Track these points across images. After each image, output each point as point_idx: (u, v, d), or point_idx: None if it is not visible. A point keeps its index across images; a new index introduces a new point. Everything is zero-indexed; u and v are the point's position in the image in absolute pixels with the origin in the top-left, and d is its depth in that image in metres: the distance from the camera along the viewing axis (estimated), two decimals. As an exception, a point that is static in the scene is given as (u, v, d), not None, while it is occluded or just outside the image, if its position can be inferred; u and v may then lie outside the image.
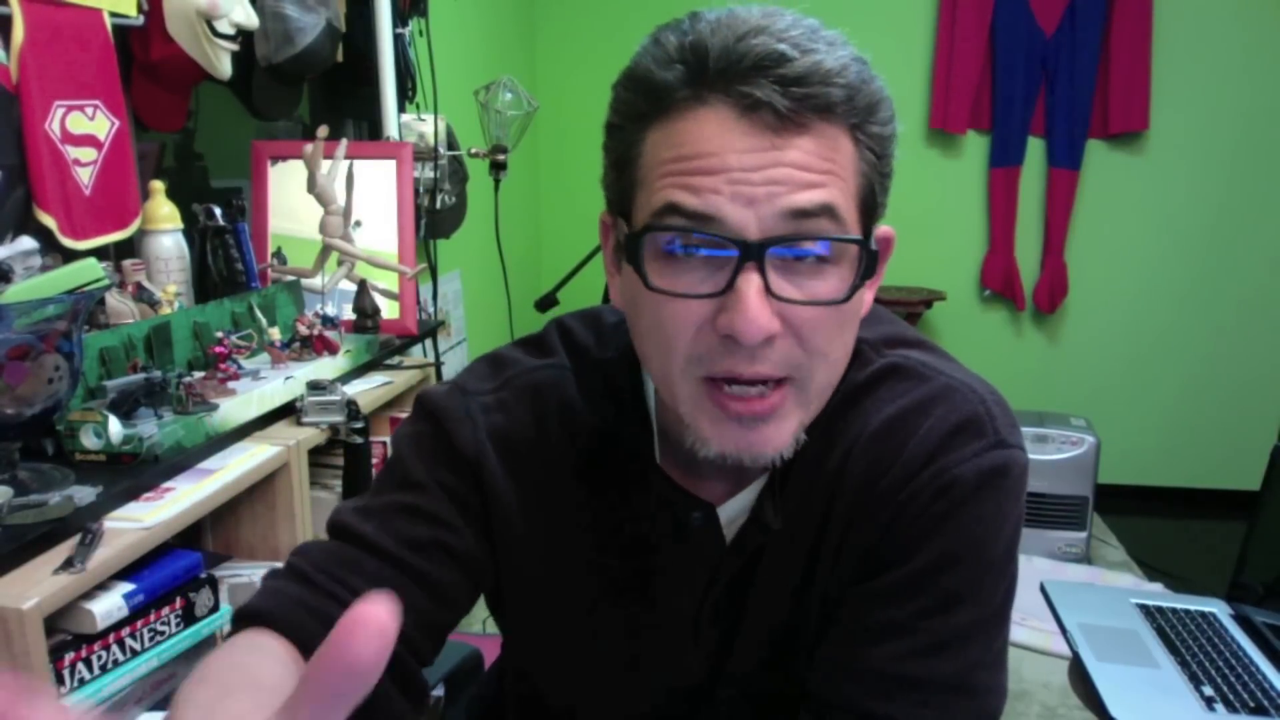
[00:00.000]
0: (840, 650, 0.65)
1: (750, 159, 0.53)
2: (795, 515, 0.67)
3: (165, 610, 1.02)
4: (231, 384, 1.30)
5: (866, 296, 0.64)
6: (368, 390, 1.52)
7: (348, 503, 0.72)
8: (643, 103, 0.57)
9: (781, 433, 0.58)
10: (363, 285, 1.71)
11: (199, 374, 1.27)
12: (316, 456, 1.39)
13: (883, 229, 0.62)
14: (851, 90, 0.55)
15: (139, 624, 0.98)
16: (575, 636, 0.72)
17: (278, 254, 1.71)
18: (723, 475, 0.68)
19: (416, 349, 1.94)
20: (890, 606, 0.63)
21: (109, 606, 0.94)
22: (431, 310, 2.11)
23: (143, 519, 0.99)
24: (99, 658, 0.93)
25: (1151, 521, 3.30)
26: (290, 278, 1.63)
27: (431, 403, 0.71)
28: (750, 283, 0.53)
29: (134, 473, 1.06)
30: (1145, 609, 1.46)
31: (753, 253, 0.53)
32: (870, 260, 0.58)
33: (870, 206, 0.59)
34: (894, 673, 0.62)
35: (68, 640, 0.92)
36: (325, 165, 1.61)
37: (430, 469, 0.68)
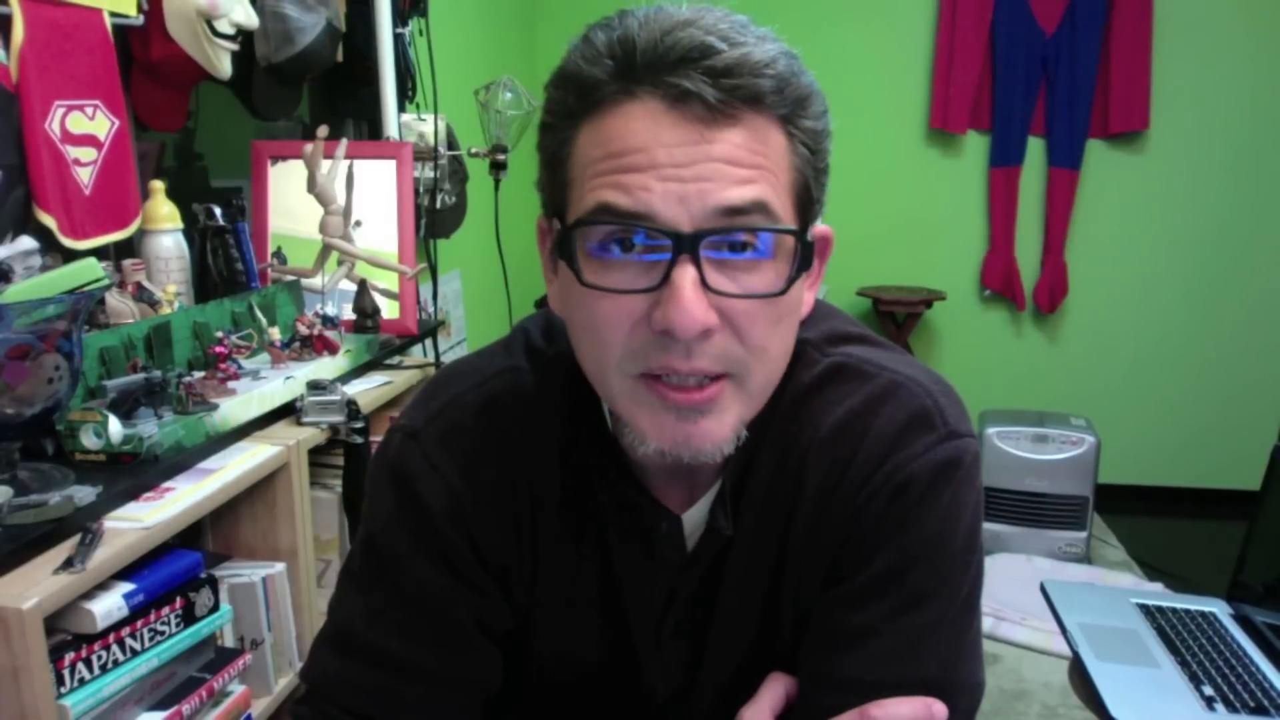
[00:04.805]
0: (815, 660, 0.65)
1: (680, 153, 0.53)
2: (756, 524, 0.66)
3: (165, 610, 1.01)
4: (231, 384, 1.30)
5: (807, 297, 0.64)
6: (368, 390, 1.51)
7: (349, 604, 0.70)
8: (573, 100, 0.57)
9: (722, 427, 0.57)
10: (363, 285, 1.71)
11: (199, 374, 1.27)
12: (316, 456, 1.39)
13: (821, 227, 0.62)
14: (781, 82, 0.55)
15: (139, 624, 0.98)
16: (555, 648, 0.72)
17: (278, 254, 1.71)
18: (679, 485, 0.67)
19: (417, 349, 1.94)
20: (858, 610, 0.63)
21: (109, 606, 0.94)
22: (431, 310, 2.11)
23: (143, 519, 0.99)
24: (99, 658, 0.93)
25: (1151, 521, 3.30)
26: (290, 278, 1.63)
27: (391, 464, 0.69)
28: (685, 275, 0.53)
29: (134, 472, 1.06)
30: (1145, 609, 1.46)
31: (686, 245, 0.53)
32: (806, 251, 0.57)
33: (806, 202, 0.58)
34: (872, 680, 0.62)
35: (68, 640, 0.92)
36: (325, 165, 1.61)
37: (426, 556, 0.67)
